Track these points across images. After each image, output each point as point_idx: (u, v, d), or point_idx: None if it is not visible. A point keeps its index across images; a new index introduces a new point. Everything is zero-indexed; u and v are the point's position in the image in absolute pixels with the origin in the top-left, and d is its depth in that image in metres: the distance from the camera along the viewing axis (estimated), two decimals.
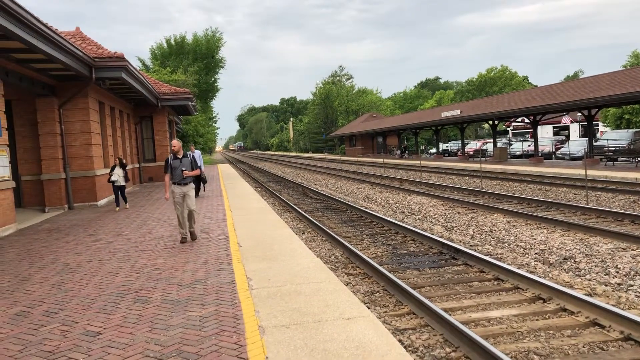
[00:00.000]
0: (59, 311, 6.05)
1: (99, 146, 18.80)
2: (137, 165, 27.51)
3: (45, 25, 11.82)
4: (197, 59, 55.80)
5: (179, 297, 6.35)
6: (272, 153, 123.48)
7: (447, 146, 58.42)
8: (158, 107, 27.24)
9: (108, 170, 16.98)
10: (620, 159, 29.40)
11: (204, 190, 19.67)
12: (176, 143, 10.02)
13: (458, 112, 43.17)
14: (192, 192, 10.08)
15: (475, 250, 9.86)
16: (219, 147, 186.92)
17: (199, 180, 18.39)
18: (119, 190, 16.06)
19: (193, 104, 30.91)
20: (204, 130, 49.81)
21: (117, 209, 16.00)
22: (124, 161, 16.29)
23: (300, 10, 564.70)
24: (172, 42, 57.10)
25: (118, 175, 15.74)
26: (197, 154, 17.96)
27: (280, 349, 4.56)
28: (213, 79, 59.13)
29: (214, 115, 67.19)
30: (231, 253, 8.70)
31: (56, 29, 12.87)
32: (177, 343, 4.85)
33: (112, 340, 5.04)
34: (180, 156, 9.96)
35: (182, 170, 9.77)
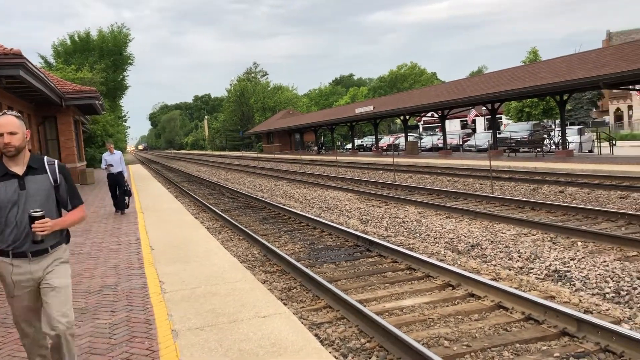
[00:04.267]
0: None
1: None
2: None
3: None
4: (104, 55, 53.39)
5: (87, 304, 6.06)
6: (187, 152, 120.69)
7: (362, 141, 59.68)
8: (62, 107, 25.78)
9: None
10: (521, 149, 31.25)
11: (127, 207, 14.27)
12: (9, 123, 3.31)
13: (371, 108, 44.16)
14: (60, 279, 3.50)
15: (388, 242, 10.12)
16: (130, 147, 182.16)
17: (122, 193, 13.99)
18: None
19: (100, 102, 29.54)
20: (114, 130, 47.92)
21: None
22: None
23: (214, 6, 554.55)
24: (77, 38, 54.28)
25: None
26: (118, 155, 14.24)
27: (194, 351, 4.46)
28: (121, 77, 56.93)
29: (123, 114, 64.82)
30: (143, 257, 8.42)
31: None
32: (85, 352, 4.62)
33: (12, 355, 4.73)
34: (19, 170, 3.40)
35: (34, 215, 3.25)
